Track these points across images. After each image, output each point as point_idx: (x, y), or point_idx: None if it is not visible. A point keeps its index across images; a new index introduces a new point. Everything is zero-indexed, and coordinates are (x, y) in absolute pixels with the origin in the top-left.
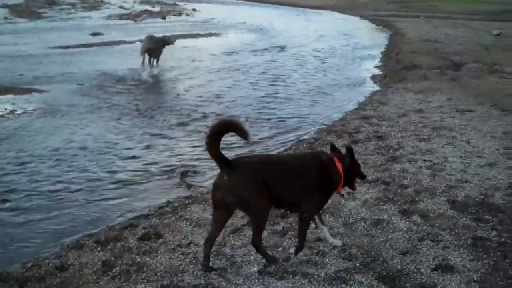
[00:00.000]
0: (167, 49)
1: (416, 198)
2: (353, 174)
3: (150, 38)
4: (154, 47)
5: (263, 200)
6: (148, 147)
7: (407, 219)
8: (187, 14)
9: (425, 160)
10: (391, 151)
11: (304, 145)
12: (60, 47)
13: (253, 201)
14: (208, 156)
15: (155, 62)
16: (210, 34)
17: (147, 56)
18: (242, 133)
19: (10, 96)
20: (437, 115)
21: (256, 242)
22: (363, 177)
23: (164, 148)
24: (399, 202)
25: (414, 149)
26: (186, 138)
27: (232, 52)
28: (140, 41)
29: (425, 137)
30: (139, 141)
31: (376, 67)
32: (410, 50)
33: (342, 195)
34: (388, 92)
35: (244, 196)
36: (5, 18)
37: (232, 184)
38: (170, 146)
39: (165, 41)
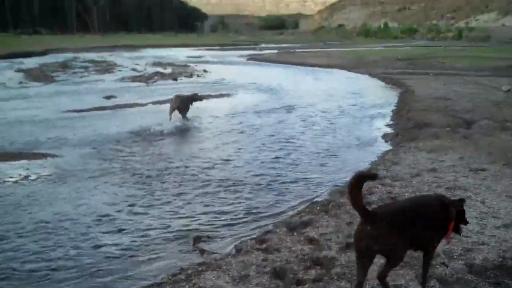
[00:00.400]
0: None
1: (433, 262)
2: (461, 219)
3: (177, 97)
4: (182, 106)
5: (403, 245)
6: (159, 212)
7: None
8: (198, 75)
9: None
10: None
11: (318, 207)
12: (74, 111)
13: (395, 247)
14: (221, 221)
15: (183, 118)
16: (221, 95)
17: (176, 113)
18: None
19: (24, 161)
20: (450, 174)
21: (383, 277)
22: (466, 223)
23: (175, 213)
24: (416, 267)
25: None
26: (197, 203)
27: (241, 113)
28: (153, 103)
29: None
30: (149, 206)
31: (387, 125)
32: (421, 108)
33: (451, 238)
34: (400, 151)
35: (388, 244)
36: (20, 82)
37: (377, 233)
38: (181, 212)
39: (194, 98)
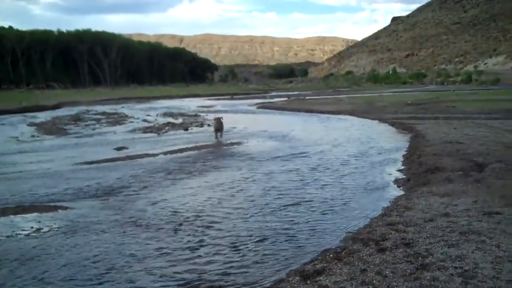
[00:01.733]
0: None
1: None
2: None
3: (217, 120)
4: (220, 128)
5: None
6: (170, 263)
7: None
8: (209, 125)
9: (455, 267)
10: (420, 258)
11: (331, 255)
12: (86, 163)
13: None
14: (232, 270)
15: (221, 137)
16: (232, 144)
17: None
18: None
19: (36, 214)
20: (464, 218)
21: None
22: None
23: (186, 263)
24: None
25: (444, 255)
26: (208, 253)
27: (252, 160)
28: (164, 153)
29: (453, 242)
30: (161, 257)
31: (398, 170)
32: (432, 153)
33: None
34: (412, 196)
35: None
36: (33, 136)
37: None
38: (192, 261)
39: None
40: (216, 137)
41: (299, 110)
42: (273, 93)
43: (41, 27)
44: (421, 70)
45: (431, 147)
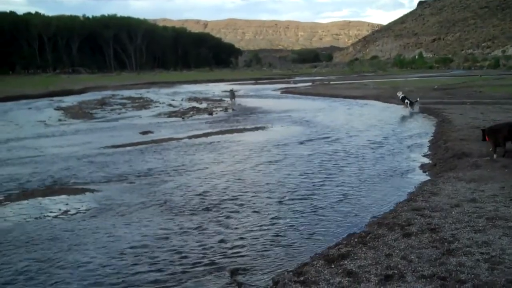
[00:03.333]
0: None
1: None
2: None
3: (231, 91)
4: (233, 96)
5: None
6: (195, 245)
7: None
8: (233, 109)
9: (482, 253)
10: (446, 244)
11: (356, 239)
12: (112, 147)
13: None
14: (257, 253)
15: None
16: (256, 128)
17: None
18: None
19: (64, 196)
20: (491, 204)
21: None
22: None
23: (211, 246)
24: None
25: (470, 241)
26: (233, 235)
27: (280, 145)
28: (189, 137)
29: (480, 228)
30: (186, 239)
31: (424, 155)
32: (459, 138)
33: None
34: (438, 181)
35: None
36: (59, 120)
37: None
38: (217, 244)
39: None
40: (233, 103)
41: (323, 95)
42: (297, 78)
43: (67, 12)
44: (448, 55)
45: (458, 132)
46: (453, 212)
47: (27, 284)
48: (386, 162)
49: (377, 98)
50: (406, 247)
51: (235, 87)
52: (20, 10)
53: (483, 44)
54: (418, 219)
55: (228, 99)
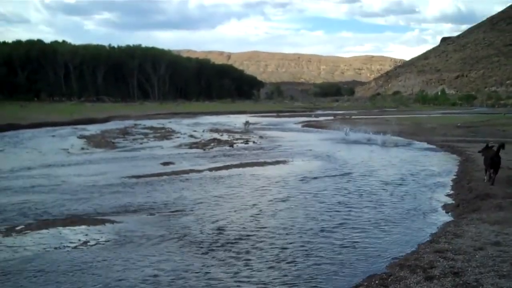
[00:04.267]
0: None
1: None
2: None
3: (246, 121)
4: (248, 124)
5: None
6: (213, 281)
7: None
8: (254, 142)
9: None
10: None
11: (376, 281)
12: (133, 177)
13: None
14: None
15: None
16: (277, 162)
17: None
18: None
19: (84, 226)
20: None
21: None
22: None
23: (227, 281)
24: None
25: (494, 286)
26: (251, 273)
27: (300, 180)
28: (209, 169)
29: (504, 273)
30: (205, 275)
31: (447, 195)
32: (482, 178)
33: None
34: (462, 223)
35: None
36: (82, 148)
37: None
38: (233, 280)
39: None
40: (246, 129)
41: None
42: (319, 112)
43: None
44: (471, 92)
45: (481, 172)
46: (476, 256)
47: None
48: (408, 201)
49: (399, 134)
50: None
51: (256, 119)
52: (48, 38)
53: (507, 82)
54: (440, 262)
55: (243, 125)
